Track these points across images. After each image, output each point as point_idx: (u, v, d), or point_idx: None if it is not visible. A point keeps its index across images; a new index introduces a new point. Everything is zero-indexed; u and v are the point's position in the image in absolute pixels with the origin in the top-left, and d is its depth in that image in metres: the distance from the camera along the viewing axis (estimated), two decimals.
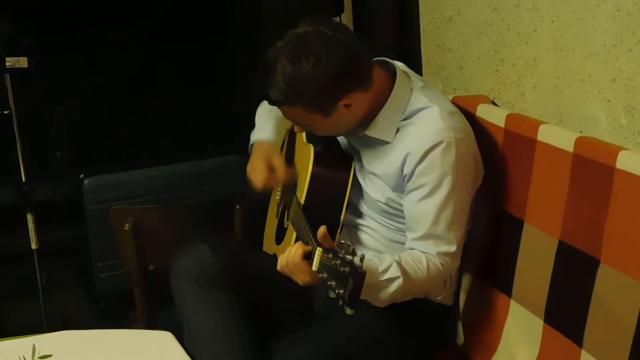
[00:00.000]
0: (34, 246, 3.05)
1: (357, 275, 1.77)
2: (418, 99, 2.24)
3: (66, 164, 3.39)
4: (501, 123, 2.37)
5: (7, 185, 3.08)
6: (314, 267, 1.90)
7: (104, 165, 3.30)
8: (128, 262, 2.83)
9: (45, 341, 1.95)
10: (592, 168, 2.03)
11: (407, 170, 2.19)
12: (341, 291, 1.80)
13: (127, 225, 2.76)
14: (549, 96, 2.41)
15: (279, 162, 2.46)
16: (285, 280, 2.23)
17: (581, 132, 2.24)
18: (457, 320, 2.50)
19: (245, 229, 2.86)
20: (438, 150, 2.15)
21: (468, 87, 2.80)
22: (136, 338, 2.24)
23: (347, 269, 1.78)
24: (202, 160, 3.33)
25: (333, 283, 1.82)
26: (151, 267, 2.84)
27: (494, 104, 2.61)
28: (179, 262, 2.37)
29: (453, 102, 2.58)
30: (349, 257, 1.80)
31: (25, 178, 2.98)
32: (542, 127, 2.22)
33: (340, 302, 1.82)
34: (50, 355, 1.60)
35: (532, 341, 2.21)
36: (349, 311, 1.83)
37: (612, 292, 1.96)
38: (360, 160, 2.35)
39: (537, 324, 2.20)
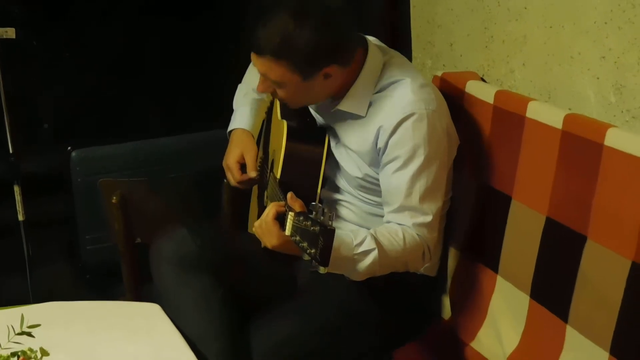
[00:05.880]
0: (20, 218, 3.05)
1: (327, 232, 1.80)
2: (390, 73, 2.25)
3: (54, 136, 3.37)
4: (490, 100, 2.37)
5: None
6: (287, 231, 1.92)
7: (91, 137, 3.29)
8: (115, 234, 2.83)
9: (33, 311, 1.95)
10: (580, 145, 2.04)
11: (380, 143, 2.19)
12: (312, 250, 1.83)
13: (114, 198, 2.75)
14: (538, 73, 2.41)
15: (250, 160, 2.48)
16: (268, 260, 2.25)
17: (570, 109, 2.24)
18: (444, 294, 2.51)
19: (234, 203, 2.86)
20: (409, 122, 2.15)
21: (457, 64, 2.80)
22: (125, 310, 2.24)
23: (317, 228, 1.82)
24: (190, 133, 3.32)
25: (305, 244, 1.85)
26: (138, 240, 2.83)
27: (483, 80, 2.61)
28: (159, 246, 2.36)
29: (442, 78, 2.59)
30: (321, 217, 1.84)
31: (13, 150, 2.98)
32: (531, 104, 2.23)
33: (313, 262, 1.86)
34: (38, 325, 1.60)
35: (518, 316, 2.23)
36: (322, 270, 1.89)
37: (598, 269, 1.98)
38: (336, 137, 2.35)
39: (523, 299, 2.21)
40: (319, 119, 2.44)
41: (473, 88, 2.47)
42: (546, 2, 2.34)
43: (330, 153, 2.35)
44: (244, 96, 2.64)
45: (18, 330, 1.59)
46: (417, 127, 2.15)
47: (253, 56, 2.17)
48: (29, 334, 1.59)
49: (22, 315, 1.61)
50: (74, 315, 2.17)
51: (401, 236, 2.15)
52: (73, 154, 3.14)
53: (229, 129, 2.61)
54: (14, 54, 2.98)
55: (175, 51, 3.45)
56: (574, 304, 2.04)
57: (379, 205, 2.31)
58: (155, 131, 3.35)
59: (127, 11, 3.33)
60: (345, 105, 2.26)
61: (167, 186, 2.99)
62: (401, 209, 2.19)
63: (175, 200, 2.90)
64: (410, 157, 2.16)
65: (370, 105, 2.24)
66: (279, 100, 2.30)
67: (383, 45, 2.36)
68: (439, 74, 2.64)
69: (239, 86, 2.70)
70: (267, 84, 2.22)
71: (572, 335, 2.04)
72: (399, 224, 2.19)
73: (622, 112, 2.12)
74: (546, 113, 2.17)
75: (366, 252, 2.08)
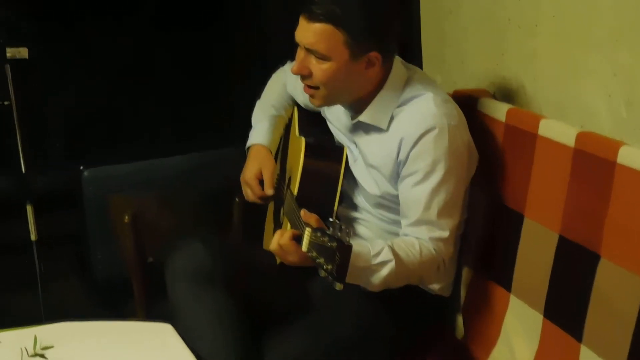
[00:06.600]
0: (33, 238, 3.05)
1: (344, 248, 1.81)
2: (413, 87, 2.26)
3: (66, 155, 3.38)
4: (502, 117, 2.37)
5: (7, 176, 3.07)
6: (304, 247, 1.92)
7: (103, 156, 3.30)
8: (127, 253, 2.83)
9: (46, 332, 1.95)
10: (593, 163, 2.03)
11: (402, 156, 2.20)
12: (329, 266, 1.83)
13: (126, 217, 2.75)
14: (549, 90, 2.41)
15: (268, 176, 2.49)
16: (281, 275, 2.24)
17: (582, 126, 2.23)
18: (457, 312, 2.50)
19: (245, 222, 2.86)
20: (431, 135, 2.16)
21: (468, 80, 2.80)
22: (137, 330, 2.24)
23: (334, 244, 1.82)
24: (202, 152, 3.33)
25: (322, 260, 1.85)
26: (150, 259, 2.83)
27: (495, 97, 2.61)
28: (174, 261, 2.35)
29: (453, 96, 2.58)
30: (338, 233, 1.84)
31: (25, 169, 2.98)
32: (542, 122, 2.23)
33: (330, 278, 1.85)
34: (51, 347, 1.60)
35: (532, 335, 2.22)
36: (338, 286, 1.86)
37: (612, 287, 1.96)
38: (357, 153, 2.35)
39: (537, 318, 2.20)
40: (337, 136, 2.44)
41: (484, 106, 2.46)
42: (557, 19, 2.33)
43: (348, 170, 2.35)
44: (263, 112, 2.65)
45: (32, 352, 1.60)
46: (438, 142, 2.16)
47: (304, 24, 2.16)
48: (42, 356, 1.59)
49: (35, 337, 1.62)
50: (88, 335, 2.16)
51: (418, 249, 2.16)
52: (85, 172, 3.15)
53: (248, 144, 2.61)
54: (26, 73, 2.98)
55: (188, 69, 3.46)
56: (588, 323, 2.03)
57: (396, 223, 2.31)
58: (167, 149, 3.35)
59: (139, 29, 3.35)
60: (366, 117, 2.26)
61: (179, 204, 2.99)
62: (419, 222, 2.20)
63: (187, 217, 2.90)
64: (430, 172, 2.17)
65: (392, 119, 2.24)
66: (310, 86, 2.25)
67: (404, 62, 2.37)
68: (450, 91, 2.63)
69: (258, 102, 2.71)
70: (305, 64, 2.20)
71: (586, 354, 2.03)
72: (416, 238, 2.19)
73: (634, 129, 2.11)
74: (558, 131, 2.17)
75: (383, 263, 2.09)
